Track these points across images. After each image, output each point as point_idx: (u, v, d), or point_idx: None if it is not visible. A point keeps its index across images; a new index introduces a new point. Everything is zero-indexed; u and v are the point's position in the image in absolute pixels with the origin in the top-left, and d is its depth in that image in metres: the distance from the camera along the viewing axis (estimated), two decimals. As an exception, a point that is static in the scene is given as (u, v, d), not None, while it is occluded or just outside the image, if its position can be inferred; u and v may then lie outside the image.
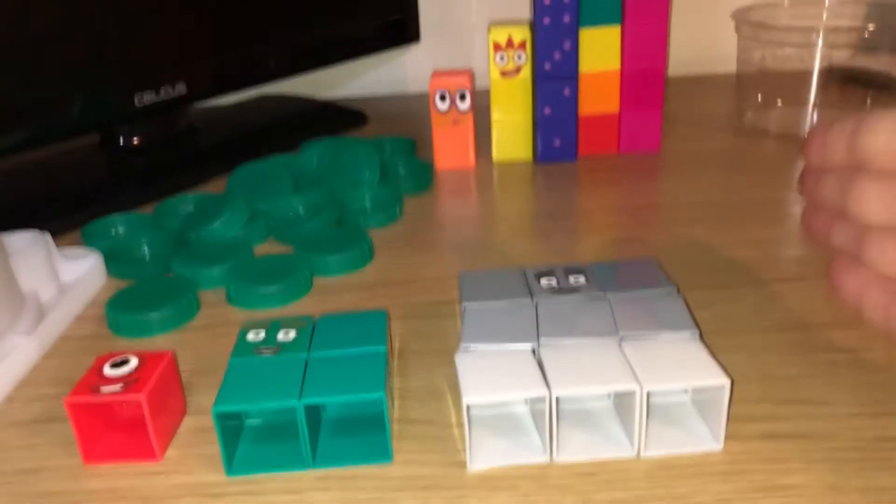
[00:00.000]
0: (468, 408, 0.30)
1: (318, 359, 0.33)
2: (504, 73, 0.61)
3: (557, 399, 0.29)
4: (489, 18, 0.85)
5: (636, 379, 0.30)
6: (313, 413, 0.32)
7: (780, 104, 0.70)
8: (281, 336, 0.35)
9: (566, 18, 0.58)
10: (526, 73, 0.61)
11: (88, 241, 0.53)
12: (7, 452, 0.34)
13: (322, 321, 0.36)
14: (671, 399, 0.33)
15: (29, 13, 0.53)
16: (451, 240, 0.51)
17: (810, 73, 0.64)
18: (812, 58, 0.64)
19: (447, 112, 0.61)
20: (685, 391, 0.34)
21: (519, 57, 0.61)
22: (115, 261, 0.49)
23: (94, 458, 0.32)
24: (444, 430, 0.33)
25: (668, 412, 0.33)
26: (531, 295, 0.37)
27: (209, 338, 0.41)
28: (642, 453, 0.30)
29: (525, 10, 0.70)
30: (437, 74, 0.61)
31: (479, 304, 0.36)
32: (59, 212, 0.57)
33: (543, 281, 0.38)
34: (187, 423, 0.35)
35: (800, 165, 0.38)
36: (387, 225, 0.54)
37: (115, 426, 0.34)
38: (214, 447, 0.33)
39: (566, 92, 0.60)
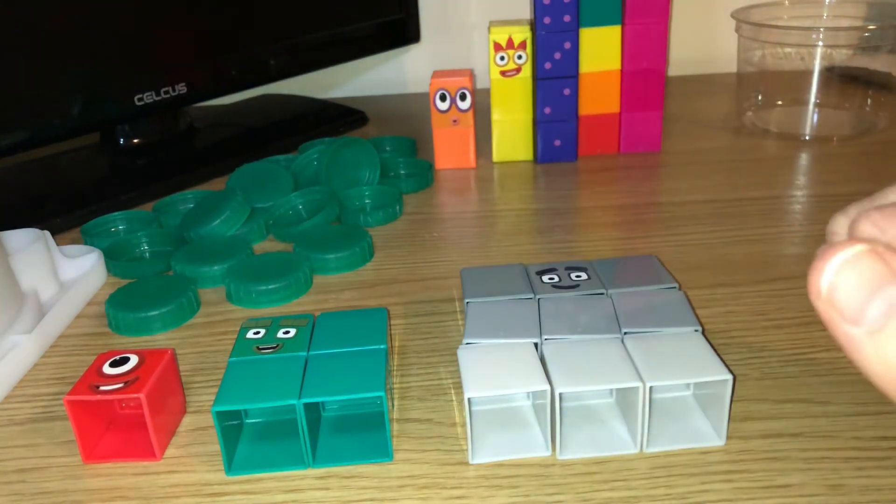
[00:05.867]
0: (469, 401, 0.30)
1: (317, 357, 0.33)
2: (504, 73, 0.61)
3: (560, 396, 0.29)
4: (489, 18, 0.85)
5: (639, 375, 0.30)
6: (313, 411, 0.32)
7: (780, 104, 0.70)
8: (281, 334, 0.35)
9: (566, 18, 0.58)
10: (526, 73, 0.61)
11: (88, 240, 0.53)
12: (7, 451, 0.33)
13: (322, 319, 0.36)
14: (673, 395, 0.33)
15: (30, 13, 0.53)
16: (452, 239, 0.51)
17: (810, 73, 0.64)
18: (812, 58, 0.64)
19: (447, 112, 0.61)
20: (687, 387, 0.34)
21: (519, 57, 0.61)
22: (115, 259, 0.49)
23: (93, 457, 0.32)
24: (444, 429, 0.33)
25: (669, 408, 0.33)
26: (533, 291, 0.37)
27: (209, 336, 0.41)
28: (645, 449, 0.30)
29: (525, 10, 0.70)
30: (437, 74, 0.61)
31: (482, 299, 0.36)
32: (60, 210, 0.57)
33: (545, 278, 0.38)
34: (187, 421, 0.35)
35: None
36: (387, 224, 0.54)
37: (114, 425, 0.34)
38: (214, 446, 0.33)
39: (566, 92, 0.60)
